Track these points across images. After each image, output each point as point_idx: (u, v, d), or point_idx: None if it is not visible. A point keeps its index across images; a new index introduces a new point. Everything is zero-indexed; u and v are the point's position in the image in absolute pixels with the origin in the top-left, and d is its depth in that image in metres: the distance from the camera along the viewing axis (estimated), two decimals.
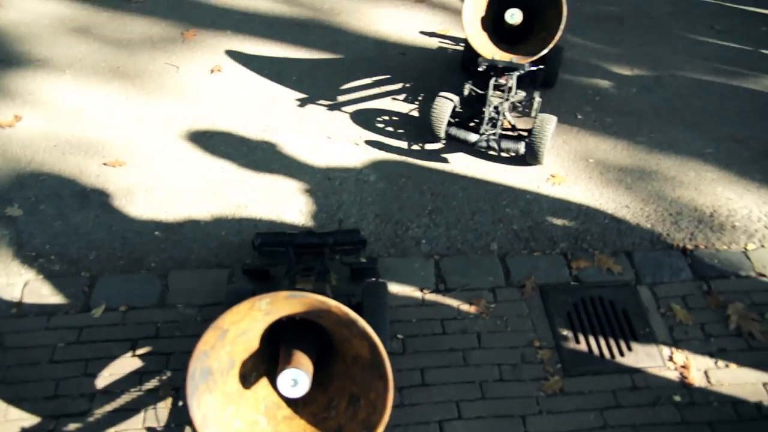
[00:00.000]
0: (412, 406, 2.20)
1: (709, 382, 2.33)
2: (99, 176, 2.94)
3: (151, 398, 2.18)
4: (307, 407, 1.69)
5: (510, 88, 3.03)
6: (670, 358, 2.39)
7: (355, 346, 1.59)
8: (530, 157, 2.98)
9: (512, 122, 3.14)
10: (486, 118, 2.98)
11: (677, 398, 2.28)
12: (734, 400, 2.28)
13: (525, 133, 3.05)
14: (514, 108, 3.28)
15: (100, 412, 2.14)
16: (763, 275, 2.69)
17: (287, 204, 2.85)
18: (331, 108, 3.36)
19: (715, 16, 4.39)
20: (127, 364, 2.27)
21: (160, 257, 2.63)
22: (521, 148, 2.94)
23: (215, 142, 3.14)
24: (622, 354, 2.39)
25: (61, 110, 3.29)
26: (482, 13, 3.13)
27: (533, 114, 3.13)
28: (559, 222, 2.83)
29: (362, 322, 1.49)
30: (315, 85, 3.51)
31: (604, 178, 3.05)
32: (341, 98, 3.43)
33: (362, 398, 1.60)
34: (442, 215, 2.83)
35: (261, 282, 2.54)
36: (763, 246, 2.82)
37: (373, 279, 2.49)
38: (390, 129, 3.26)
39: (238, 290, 2.27)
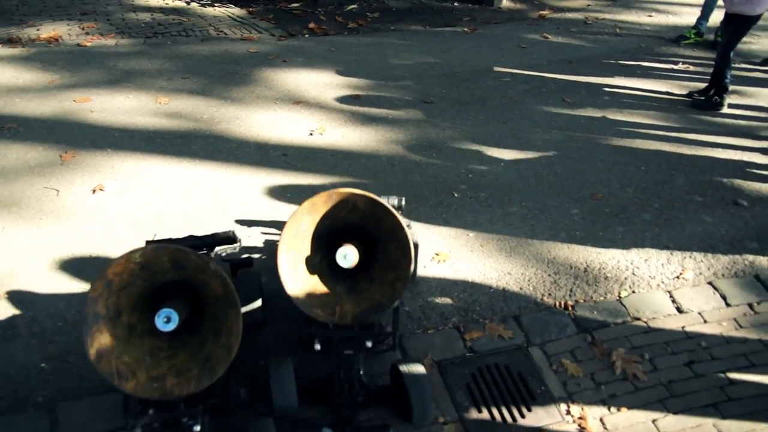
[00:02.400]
0: None
1: (605, 428, 2.47)
2: None
3: None
4: (184, 348, 2.09)
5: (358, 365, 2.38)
6: (568, 412, 2.52)
7: (213, 286, 2.00)
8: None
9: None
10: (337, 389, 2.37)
11: None
12: None
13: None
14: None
15: None
16: (638, 318, 2.93)
17: None
18: (217, 212, 3.41)
19: (563, 91, 4.91)
20: None
21: (48, 391, 2.49)
22: None
23: (101, 264, 3.07)
24: (523, 416, 2.49)
25: None
26: (306, 252, 2.31)
27: None
28: (448, 298, 2.97)
29: (213, 263, 1.95)
30: (199, 196, 3.56)
31: (485, 250, 3.26)
32: (227, 202, 3.49)
33: (223, 328, 2.02)
34: None
35: None
36: (633, 292, 3.09)
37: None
38: (279, 226, 3.34)
39: None
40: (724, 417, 2.52)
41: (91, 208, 3.43)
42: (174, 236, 2.77)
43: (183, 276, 2.04)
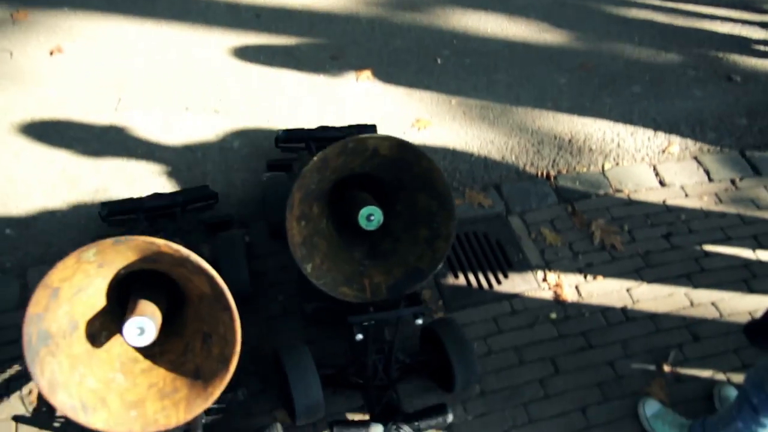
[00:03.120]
0: None
1: (580, 296, 2.48)
2: None
3: (18, 404, 2.03)
4: (164, 356, 1.65)
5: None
6: (544, 279, 2.52)
7: (197, 284, 1.55)
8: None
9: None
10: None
11: (553, 315, 2.41)
12: (603, 309, 2.45)
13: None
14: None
15: None
16: (620, 190, 2.88)
17: (149, 181, 2.71)
18: (186, 77, 3.21)
19: None
20: None
21: (15, 256, 2.43)
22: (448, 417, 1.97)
23: (63, 128, 2.91)
24: (499, 282, 2.49)
25: None
26: (317, 218, 1.91)
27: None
28: None
29: (195, 257, 1.44)
30: (165, 57, 3.33)
31: (468, 117, 3.13)
32: (196, 67, 3.28)
33: (213, 334, 1.59)
34: None
35: None
36: (617, 164, 3.02)
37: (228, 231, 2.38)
38: (251, 92, 3.16)
39: None
40: (695, 287, 2.55)
41: (49, 71, 3.20)
42: (138, 118, 2.51)
43: (156, 267, 1.60)
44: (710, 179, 2.99)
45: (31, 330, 1.40)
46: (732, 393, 2.15)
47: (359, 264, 1.94)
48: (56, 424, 2.00)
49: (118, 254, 1.45)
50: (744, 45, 3.85)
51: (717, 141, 3.19)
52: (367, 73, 3.29)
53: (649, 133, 3.17)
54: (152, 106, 3.05)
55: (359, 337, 1.90)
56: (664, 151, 3.10)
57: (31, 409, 2.02)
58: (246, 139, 2.92)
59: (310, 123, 2.96)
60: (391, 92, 3.22)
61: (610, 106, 3.29)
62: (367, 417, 1.94)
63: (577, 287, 2.51)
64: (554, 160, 2.98)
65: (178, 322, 1.70)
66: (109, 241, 1.39)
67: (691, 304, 2.49)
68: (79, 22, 3.51)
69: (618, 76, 3.49)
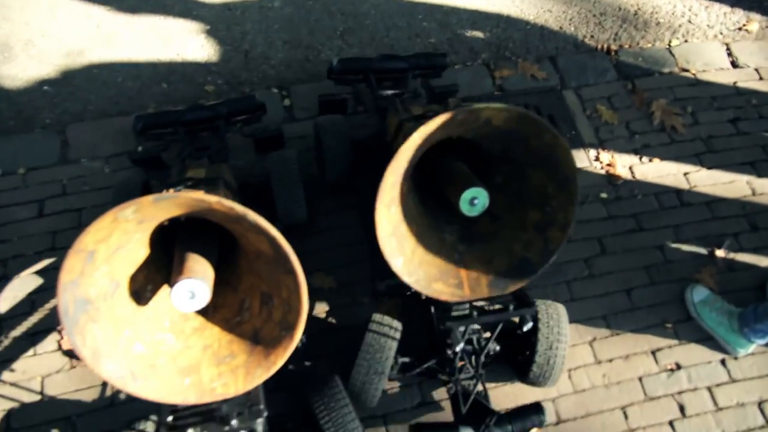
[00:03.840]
0: None
1: (633, 177, 2.36)
2: None
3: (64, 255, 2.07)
4: (218, 312, 1.48)
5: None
6: (597, 158, 2.40)
7: (253, 241, 1.35)
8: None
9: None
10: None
11: (604, 195, 2.31)
12: (657, 191, 2.33)
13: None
14: None
15: (15, 275, 2.02)
16: (686, 70, 2.66)
17: (186, 41, 2.59)
18: None
19: None
20: (36, 225, 2.13)
21: (54, 113, 2.39)
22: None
23: None
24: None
25: None
26: (403, 201, 1.55)
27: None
28: (479, 32, 2.68)
29: (253, 215, 1.23)
30: None
31: None
32: None
33: (274, 297, 1.39)
34: (355, 35, 2.63)
35: (154, 170, 2.12)
36: (686, 41, 2.77)
37: (280, 150, 2.09)
38: None
39: (126, 184, 1.92)
40: (759, 175, 2.40)
41: None
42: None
43: (206, 217, 1.38)
44: None
45: (66, 298, 1.24)
46: None
47: (453, 250, 1.63)
48: None
49: (159, 210, 1.28)
50: None
51: None
52: None
53: (726, 7, 2.88)
54: None
55: (459, 347, 1.65)
56: (741, 29, 2.82)
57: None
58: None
59: None
60: None
61: None
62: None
63: (631, 168, 2.38)
64: (616, 33, 2.75)
65: (232, 273, 1.52)
66: (148, 198, 1.20)
67: (753, 192, 2.36)
68: None
69: None
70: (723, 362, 2.00)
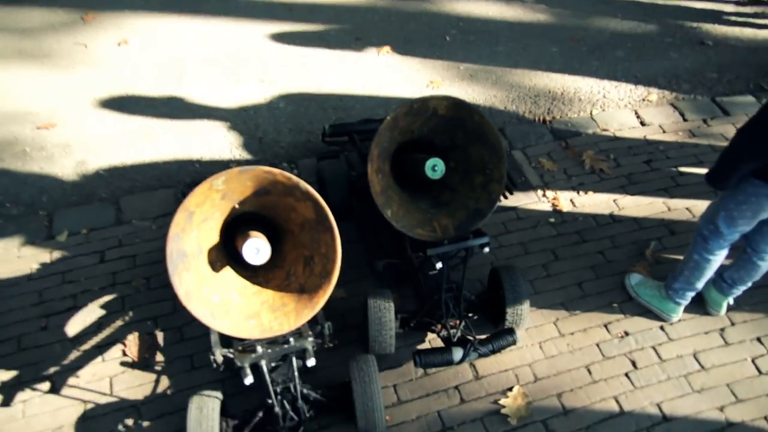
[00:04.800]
0: None
1: (574, 206, 2.97)
2: (34, 138, 3.23)
3: (125, 288, 2.55)
4: (269, 283, 1.90)
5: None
6: (543, 195, 3.02)
7: (301, 212, 1.79)
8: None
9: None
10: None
11: (552, 220, 2.90)
12: (594, 214, 2.94)
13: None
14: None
15: (84, 306, 2.48)
16: (606, 130, 3.39)
17: (213, 133, 3.26)
18: (232, 58, 3.79)
19: None
20: (99, 268, 2.62)
21: (109, 189, 2.97)
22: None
23: (136, 99, 3.49)
24: (505, 197, 2.98)
25: None
26: (389, 173, 2.19)
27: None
28: None
29: (304, 184, 1.71)
30: (214, 44, 3.92)
31: (474, 79, 3.68)
32: (240, 50, 3.87)
33: (315, 255, 1.82)
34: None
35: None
36: (603, 110, 3.54)
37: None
38: (289, 66, 3.73)
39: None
40: (672, 197, 3.03)
41: (118, 58, 3.80)
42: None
43: (262, 204, 1.83)
44: (684, 119, 3.49)
45: (172, 247, 1.63)
46: None
47: (427, 212, 2.20)
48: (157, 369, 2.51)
49: (239, 184, 1.69)
50: (716, 16, 4.40)
51: (690, 90, 3.70)
52: (386, 49, 3.86)
53: (631, 86, 3.70)
54: (207, 80, 3.63)
55: (439, 265, 2.16)
56: (644, 99, 3.61)
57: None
58: (290, 101, 3.48)
59: (342, 88, 3.53)
60: (407, 63, 3.79)
61: (597, 67, 3.83)
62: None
63: (571, 200, 3.00)
64: (549, 109, 3.51)
65: (277, 257, 1.91)
66: (235, 170, 1.64)
67: (668, 209, 2.97)
68: (139, 20, 4.13)
69: (603, 45, 4.03)
70: (662, 328, 2.49)
